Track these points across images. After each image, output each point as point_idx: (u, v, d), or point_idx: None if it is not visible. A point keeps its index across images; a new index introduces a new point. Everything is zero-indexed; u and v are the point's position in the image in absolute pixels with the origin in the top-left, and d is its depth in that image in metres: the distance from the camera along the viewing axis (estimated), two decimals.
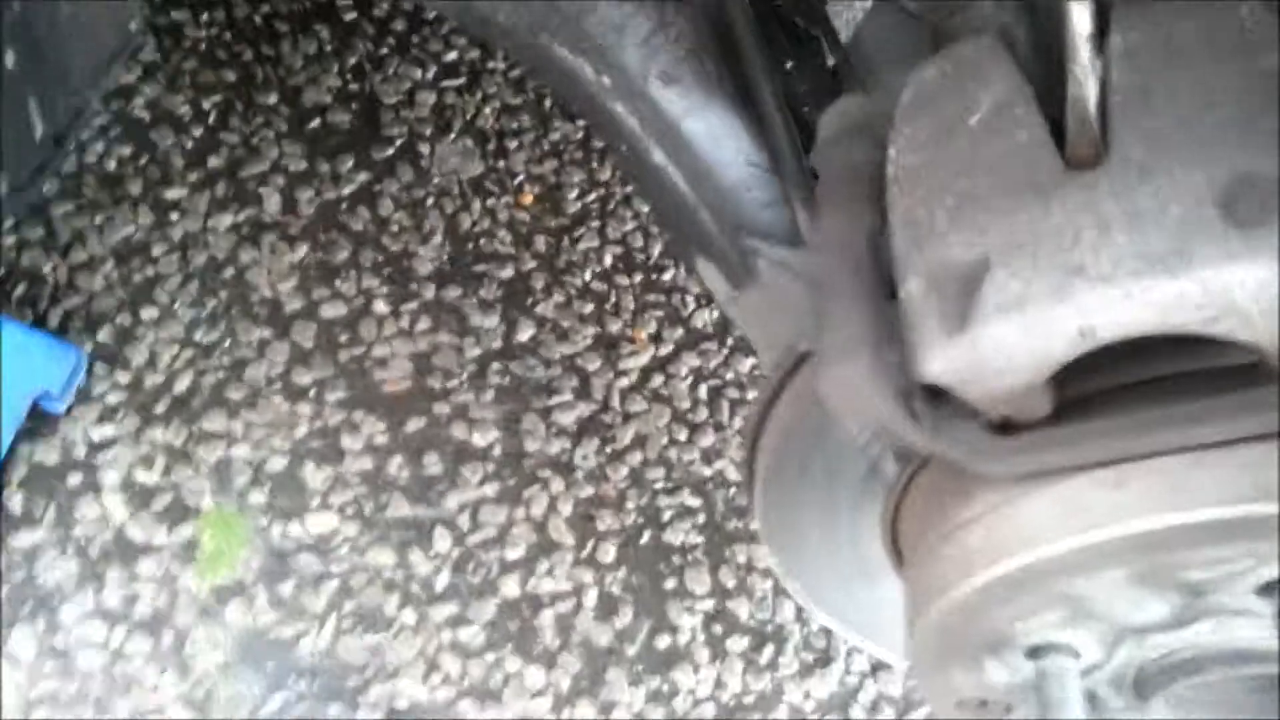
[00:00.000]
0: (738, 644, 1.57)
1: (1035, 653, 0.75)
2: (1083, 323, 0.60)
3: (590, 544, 1.62)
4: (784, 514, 0.94)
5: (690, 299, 1.83)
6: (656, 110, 0.96)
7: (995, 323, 0.61)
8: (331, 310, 1.78)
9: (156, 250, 1.82)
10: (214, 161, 1.93)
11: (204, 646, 1.51)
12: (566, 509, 1.64)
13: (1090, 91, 0.63)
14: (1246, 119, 0.60)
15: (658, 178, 0.98)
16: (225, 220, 1.87)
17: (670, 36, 0.97)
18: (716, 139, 0.96)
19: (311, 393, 1.70)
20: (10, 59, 0.76)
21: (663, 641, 1.57)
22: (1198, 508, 0.65)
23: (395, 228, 1.88)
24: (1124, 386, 0.68)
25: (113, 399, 1.67)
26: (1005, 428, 0.68)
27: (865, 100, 0.82)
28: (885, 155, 0.70)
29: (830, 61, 1.06)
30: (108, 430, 1.65)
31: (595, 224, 1.92)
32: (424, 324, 1.78)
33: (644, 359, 1.78)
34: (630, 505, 1.65)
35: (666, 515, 1.65)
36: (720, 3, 0.98)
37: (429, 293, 1.81)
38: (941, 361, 0.63)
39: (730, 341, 1.78)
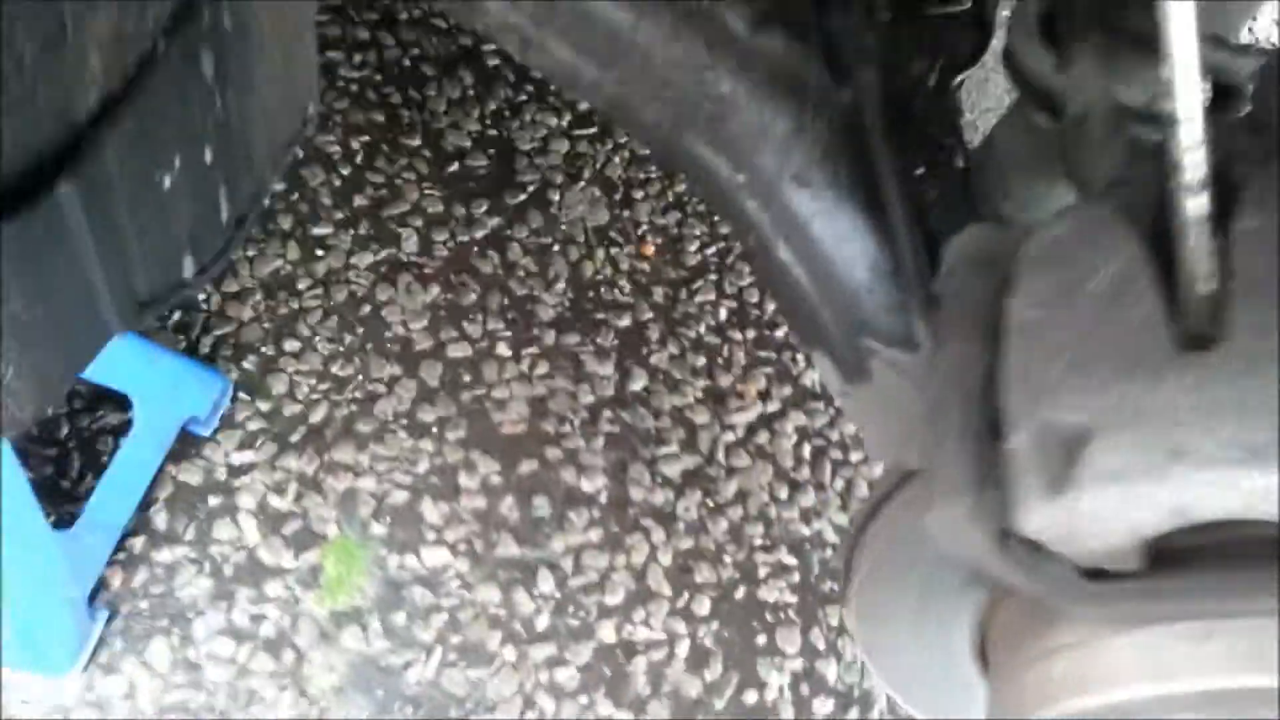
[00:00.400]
0: (823, 705, 1.63)
1: None
2: (1177, 502, 0.63)
3: (686, 595, 1.69)
4: (878, 611, 0.98)
5: (800, 358, 1.88)
6: (787, 210, 1.01)
7: (1093, 491, 0.64)
8: (458, 351, 1.88)
9: (301, 284, 1.95)
10: (359, 200, 2.05)
11: (321, 668, 1.62)
12: (666, 559, 1.71)
13: (1205, 276, 0.65)
14: None
15: (782, 272, 1.04)
16: (366, 259, 1.98)
17: (806, 140, 1.01)
18: (842, 241, 1.01)
19: (434, 430, 1.81)
20: (209, 154, 0.84)
21: (750, 697, 1.63)
22: (1275, 673, 0.67)
23: (522, 272, 1.98)
24: (1216, 545, 0.70)
25: (253, 426, 1.80)
26: (1097, 574, 0.71)
27: (994, 231, 0.84)
28: (1005, 300, 0.73)
29: (961, 168, 1.10)
30: (247, 456, 1.77)
31: (713, 277, 1.98)
32: (542, 369, 1.87)
33: (751, 415, 1.84)
34: (728, 560, 1.72)
35: (762, 572, 1.71)
36: (856, 109, 1.03)
37: (549, 338, 1.90)
38: (1038, 520, 0.66)
39: (837, 404, 1.83)
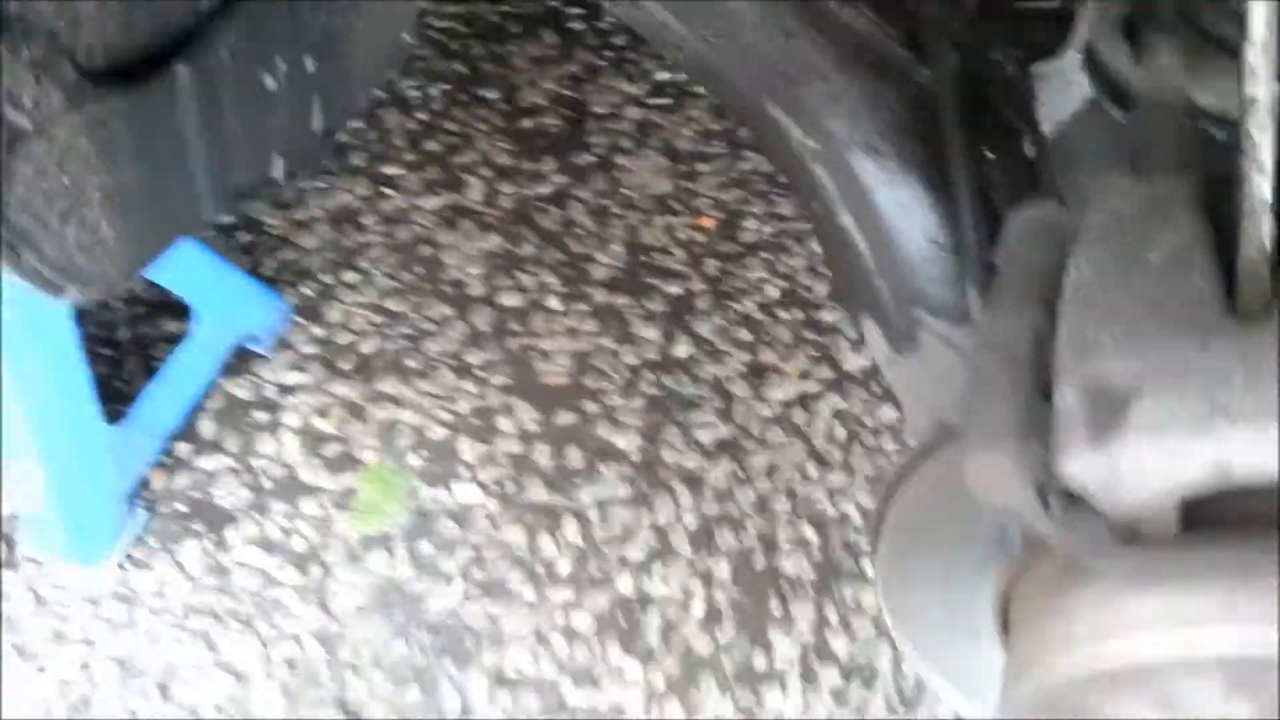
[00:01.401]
0: (830, 676, 1.65)
1: None
2: (1219, 458, 0.65)
3: (707, 557, 1.72)
4: (904, 564, 1.00)
5: (844, 342, 1.90)
6: (853, 177, 1.04)
7: (1136, 442, 0.66)
8: (509, 299, 1.93)
9: (366, 220, 2.00)
10: (431, 145, 2.10)
11: (345, 587, 1.67)
12: (690, 521, 1.74)
13: (1263, 251, 0.68)
14: None
15: (842, 238, 1.07)
16: (431, 201, 2.03)
17: (880, 112, 1.04)
18: (905, 211, 1.04)
19: (478, 372, 1.85)
20: (309, 63, 0.89)
21: (759, 661, 1.65)
22: None
23: (580, 231, 2.02)
24: (1253, 517, 0.72)
25: (306, 350, 1.86)
26: (1132, 534, 0.73)
27: (1056, 208, 0.86)
28: (1064, 267, 0.75)
29: (1030, 155, 1.12)
30: (297, 377, 1.83)
31: (767, 256, 2.01)
32: (590, 325, 1.91)
33: (789, 392, 1.86)
34: (750, 529, 1.74)
35: (784, 544, 1.73)
36: (932, 88, 1.05)
37: (600, 297, 1.94)
38: (1081, 466, 0.68)
39: (875, 390, 1.85)
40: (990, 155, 1.07)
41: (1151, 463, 0.66)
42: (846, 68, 1.05)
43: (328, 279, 1.92)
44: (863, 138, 1.04)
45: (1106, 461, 0.67)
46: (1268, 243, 0.68)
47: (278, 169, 0.91)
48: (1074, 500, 0.72)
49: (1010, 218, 0.86)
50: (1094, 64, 1.05)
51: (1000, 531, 0.90)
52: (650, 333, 1.90)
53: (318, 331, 1.87)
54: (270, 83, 0.85)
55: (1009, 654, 0.88)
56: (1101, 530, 0.73)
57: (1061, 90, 1.06)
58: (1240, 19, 0.69)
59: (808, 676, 1.65)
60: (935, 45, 1.05)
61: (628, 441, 1.80)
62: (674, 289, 1.96)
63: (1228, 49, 0.90)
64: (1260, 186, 0.68)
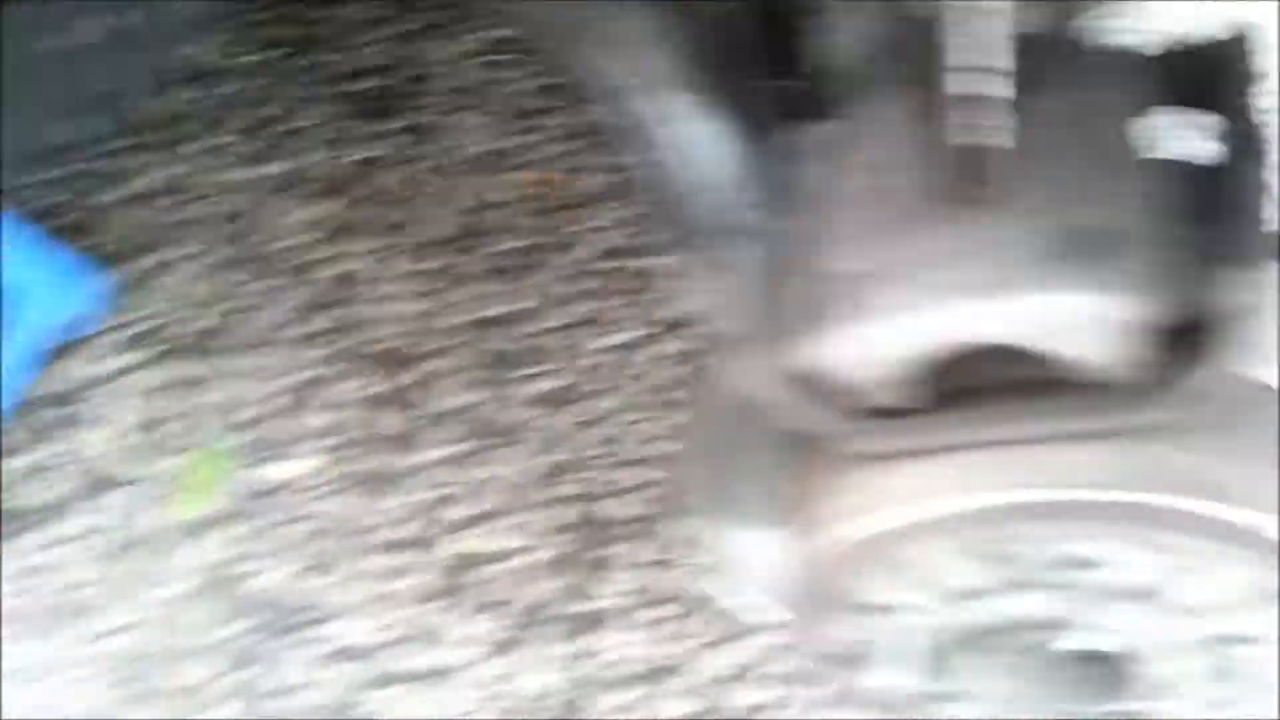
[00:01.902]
0: (661, 612, 1.63)
1: (885, 610, 0.91)
2: (937, 329, 0.75)
3: (542, 510, 1.69)
4: (712, 478, 1.08)
5: (679, 286, 1.87)
6: (661, 109, 1.06)
7: (872, 322, 0.76)
8: (342, 266, 1.88)
9: (190, 194, 1.95)
10: (263, 112, 2.05)
11: (174, 574, 1.63)
12: (527, 473, 1.71)
13: (972, 148, 0.76)
14: (1086, 183, 0.75)
15: (658, 170, 1.09)
16: (263, 170, 1.98)
17: (687, 47, 1.06)
18: (714, 142, 1.05)
19: (310, 341, 1.81)
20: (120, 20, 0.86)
21: (592, 605, 1.63)
22: (1021, 489, 0.80)
23: (418, 192, 1.97)
24: (992, 388, 0.82)
25: (129, 331, 1.81)
26: (888, 414, 0.83)
27: (820, 128, 0.92)
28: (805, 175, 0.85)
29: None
30: (120, 361, 1.78)
31: (610, 205, 1.97)
32: (426, 286, 1.87)
33: (627, 337, 1.83)
34: (587, 475, 1.72)
35: (619, 487, 1.71)
36: (734, 21, 1.08)
37: (435, 257, 1.89)
38: (827, 350, 0.78)
39: (708, 330, 1.81)
40: (793, 83, 1.10)
41: (887, 338, 0.76)
42: (652, 6, 1.07)
43: (150, 258, 1.87)
44: (672, 73, 1.06)
45: (848, 343, 0.77)
46: (977, 137, 0.76)
47: (83, 130, 0.88)
48: (829, 387, 0.81)
49: (785, 140, 0.94)
50: None
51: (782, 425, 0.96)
52: (485, 289, 1.86)
53: (142, 312, 1.83)
54: (79, 40, 0.82)
55: (800, 530, 0.96)
56: (859, 411, 0.83)
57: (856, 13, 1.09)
58: None
59: (640, 614, 1.63)
60: None
61: (462, 400, 1.77)
62: (511, 244, 1.91)
63: None
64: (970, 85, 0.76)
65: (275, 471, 1.70)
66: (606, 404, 1.78)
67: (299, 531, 1.66)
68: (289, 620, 1.60)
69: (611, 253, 1.91)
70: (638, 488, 1.71)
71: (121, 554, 1.63)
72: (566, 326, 1.84)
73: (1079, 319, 0.72)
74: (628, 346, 1.83)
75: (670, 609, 1.64)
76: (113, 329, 1.81)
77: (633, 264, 1.90)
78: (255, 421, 1.74)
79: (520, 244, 1.92)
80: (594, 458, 1.73)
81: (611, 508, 1.69)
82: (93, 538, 1.65)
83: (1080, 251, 0.72)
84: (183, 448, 1.71)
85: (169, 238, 1.90)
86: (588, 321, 1.85)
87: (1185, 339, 0.74)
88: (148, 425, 1.73)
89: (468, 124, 2.05)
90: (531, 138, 2.05)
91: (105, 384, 1.76)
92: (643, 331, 1.84)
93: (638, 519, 1.68)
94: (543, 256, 1.90)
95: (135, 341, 1.80)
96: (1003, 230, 0.73)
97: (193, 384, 1.77)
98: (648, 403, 1.78)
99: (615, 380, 1.80)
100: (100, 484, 1.69)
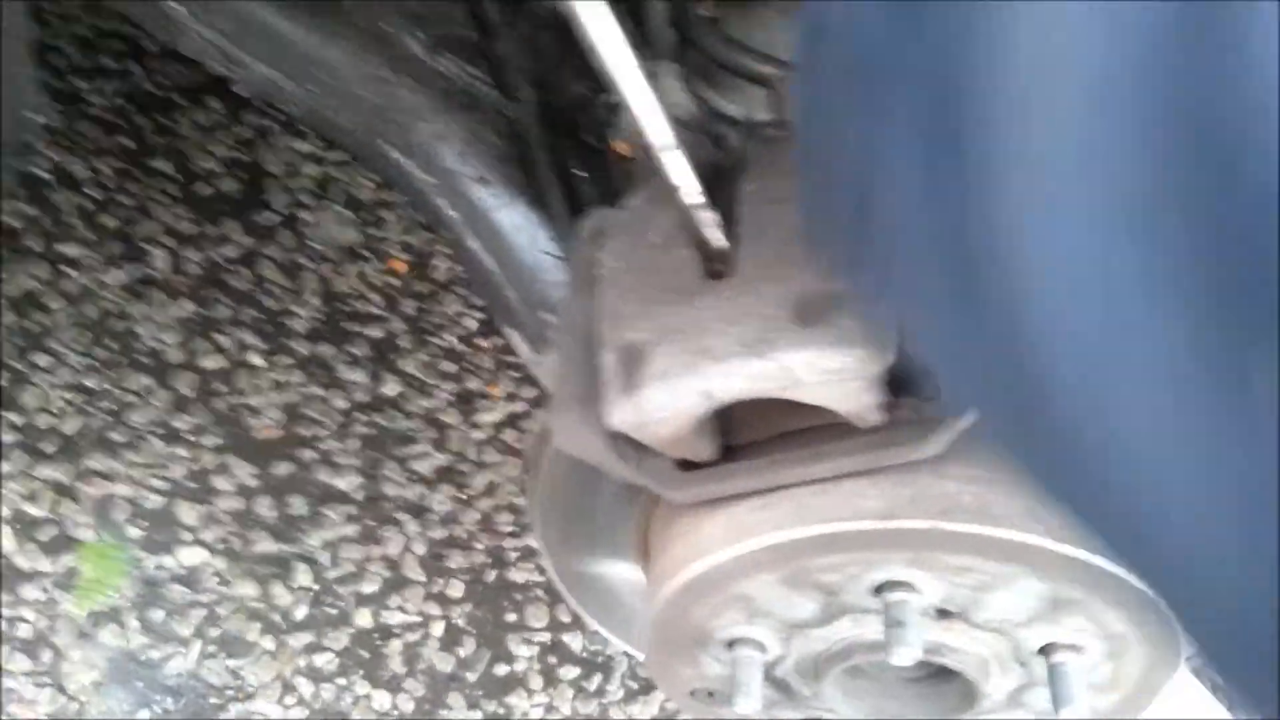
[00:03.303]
0: (570, 672, 1.75)
1: (731, 645, 0.96)
2: (705, 388, 0.81)
3: (440, 580, 1.79)
4: (561, 535, 1.14)
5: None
6: (472, 205, 1.18)
7: (650, 388, 0.82)
8: (210, 362, 1.94)
9: (51, 302, 1.97)
10: (107, 221, 2.09)
11: (80, 666, 1.65)
12: (420, 548, 1.81)
13: (714, 231, 0.85)
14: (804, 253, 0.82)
15: (474, 259, 1.21)
16: (117, 276, 2.02)
17: (482, 146, 1.18)
18: (519, 230, 1.18)
19: (188, 437, 1.86)
20: None
21: (501, 670, 1.74)
22: (815, 524, 0.87)
23: (274, 288, 2.05)
24: (778, 437, 0.90)
25: (6, 438, 1.82)
26: (687, 466, 0.90)
27: (608, 213, 1.01)
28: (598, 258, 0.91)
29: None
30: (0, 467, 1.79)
31: (461, 291, 2.10)
32: (296, 377, 1.95)
33: (498, 414, 1.96)
34: (479, 546, 1.83)
35: (511, 556, 1.83)
36: (522, 121, 1.20)
37: (302, 348, 1.98)
38: (618, 415, 0.84)
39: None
40: (580, 173, 1.25)
41: (663, 400, 0.82)
42: (444, 109, 1.19)
43: (19, 365, 1.89)
44: (472, 171, 1.19)
45: (634, 407, 0.83)
46: (714, 222, 0.85)
47: None
48: (641, 445, 0.89)
49: (578, 225, 1.02)
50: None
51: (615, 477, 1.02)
52: (357, 376, 1.96)
53: (14, 418, 1.84)
54: None
55: (647, 575, 1.05)
56: (665, 466, 0.90)
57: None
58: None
59: (549, 676, 1.74)
60: (518, 84, 1.21)
61: (348, 482, 1.86)
62: (375, 332, 2.02)
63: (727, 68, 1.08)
64: (689, 186, 0.84)
65: (172, 561, 1.74)
66: (487, 479, 1.90)
67: (205, 615, 1.70)
68: (205, 702, 1.65)
69: (471, 335, 2.05)
70: (528, 555, 1.83)
71: (36, 647, 1.64)
72: (438, 408, 1.96)
73: (812, 370, 0.78)
74: (497, 425, 1.96)
75: (582, 667, 1.76)
76: None
77: (494, 344, 2.04)
78: (140, 516, 1.78)
79: (382, 332, 2.03)
80: (481, 529, 1.85)
81: (511, 575, 1.81)
82: (18, 626, 1.65)
83: (813, 314, 0.79)
84: (75, 543, 1.74)
85: (29, 348, 1.92)
86: (457, 402, 1.97)
87: (913, 382, 0.81)
88: (34, 525, 1.75)
89: (313, 221, 2.16)
90: (376, 231, 2.17)
91: None
92: (511, 409, 1.98)
93: (537, 584, 1.81)
94: (406, 342, 2.02)
95: (9, 449, 1.81)
96: (752, 299, 0.81)
97: (73, 485, 1.79)
98: (523, 475, 1.91)
99: (490, 455, 1.92)
100: (13, 578, 1.69)
